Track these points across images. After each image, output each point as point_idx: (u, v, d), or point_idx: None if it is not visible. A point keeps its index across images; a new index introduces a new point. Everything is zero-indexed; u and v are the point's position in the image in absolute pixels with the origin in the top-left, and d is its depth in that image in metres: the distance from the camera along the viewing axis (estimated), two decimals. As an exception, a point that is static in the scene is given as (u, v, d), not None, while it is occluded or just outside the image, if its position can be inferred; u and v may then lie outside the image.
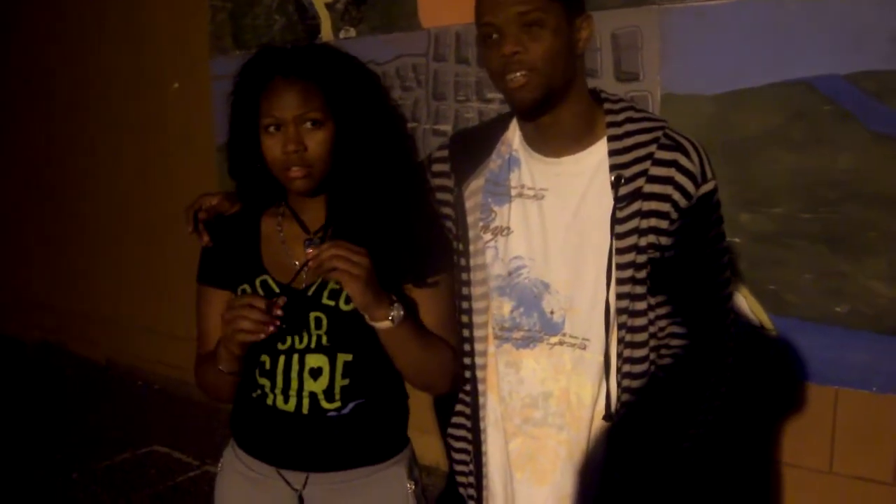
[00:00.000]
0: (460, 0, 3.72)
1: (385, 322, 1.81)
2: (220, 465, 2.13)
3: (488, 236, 1.97)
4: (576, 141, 1.89)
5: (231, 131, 1.96)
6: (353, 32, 4.35)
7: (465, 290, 2.01)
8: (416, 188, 2.04)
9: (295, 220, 2.00)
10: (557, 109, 1.84)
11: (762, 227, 3.20)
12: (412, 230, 1.94)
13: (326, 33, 4.47)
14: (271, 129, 1.85)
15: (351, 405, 1.95)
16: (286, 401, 1.94)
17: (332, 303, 1.91)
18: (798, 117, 3.10)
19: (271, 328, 1.77)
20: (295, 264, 1.95)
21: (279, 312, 1.78)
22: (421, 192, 2.07)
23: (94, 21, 6.19)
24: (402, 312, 1.83)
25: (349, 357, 1.93)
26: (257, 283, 1.95)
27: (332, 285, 1.91)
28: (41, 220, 7.06)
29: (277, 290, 1.92)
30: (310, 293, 1.92)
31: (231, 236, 2.03)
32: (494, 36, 1.79)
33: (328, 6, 4.43)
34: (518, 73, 1.77)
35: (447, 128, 4.00)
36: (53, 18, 6.56)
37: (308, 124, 1.84)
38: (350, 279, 1.74)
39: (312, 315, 1.91)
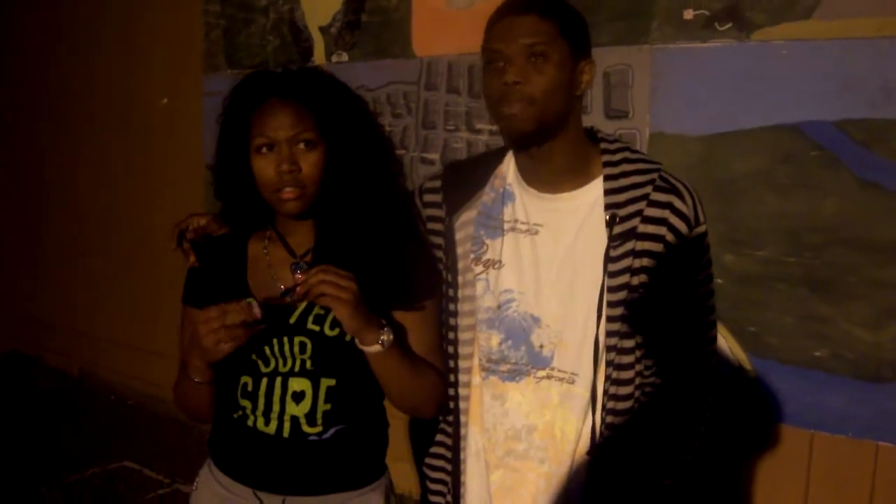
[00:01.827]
0: (454, 30, 3.76)
1: (375, 346, 1.81)
2: (195, 483, 2.11)
3: (479, 268, 1.98)
4: (570, 178, 1.91)
5: (219, 152, 1.95)
6: (345, 57, 4.37)
7: (451, 321, 2.02)
8: (404, 213, 2.06)
9: (281, 243, 1.99)
10: (550, 145, 1.87)
11: (745, 269, 3.21)
12: (401, 255, 1.95)
13: (319, 56, 4.48)
14: (264, 149, 1.85)
15: (332, 430, 1.94)
16: (267, 423, 1.93)
17: (316, 328, 1.91)
18: (785, 161, 3.12)
19: (243, 338, 1.77)
20: (280, 288, 1.94)
21: (258, 316, 1.76)
22: (410, 218, 2.08)
23: (86, 35, 6.18)
24: (391, 336, 1.83)
25: (332, 382, 1.93)
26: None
27: (317, 310, 1.90)
28: (20, 229, 7.02)
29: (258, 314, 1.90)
30: (293, 320, 1.92)
31: (218, 258, 2.02)
32: (500, 63, 1.82)
33: (322, 29, 4.44)
34: (516, 104, 1.80)
35: (435, 156, 4.02)
36: (45, 32, 6.55)
37: (301, 145, 1.85)
38: (339, 304, 1.74)
39: (297, 339, 1.91)
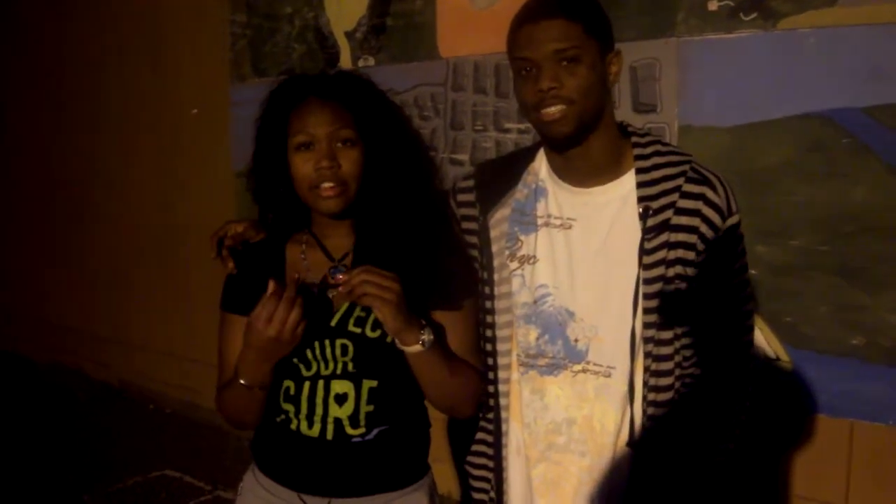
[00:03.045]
0: (479, 31, 3.77)
1: (415, 346, 1.83)
2: (240, 488, 2.12)
3: (514, 265, 1.99)
4: (603, 172, 1.92)
5: (257, 154, 1.97)
6: (371, 61, 4.39)
7: (488, 318, 2.03)
8: (441, 214, 2.07)
9: (318, 247, 2.01)
10: (588, 141, 1.88)
11: (779, 259, 3.20)
12: (439, 255, 1.96)
13: (345, 62, 4.50)
14: (303, 147, 1.87)
15: (375, 431, 1.95)
16: (310, 426, 1.95)
17: (358, 330, 1.92)
18: (816, 150, 3.10)
19: (301, 329, 1.80)
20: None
21: (298, 306, 1.79)
22: (445, 218, 2.10)
23: (114, 45, 6.25)
24: (432, 336, 1.85)
25: (374, 383, 1.94)
26: None
27: (358, 312, 1.92)
28: (58, 241, 7.10)
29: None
30: (334, 322, 1.93)
31: (256, 264, 2.03)
32: (532, 70, 1.83)
33: (348, 35, 4.47)
34: (554, 108, 1.81)
35: (465, 157, 4.03)
36: (74, 42, 6.62)
37: (341, 143, 1.87)
38: (382, 304, 1.76)
39: (339, 342, 1.92)
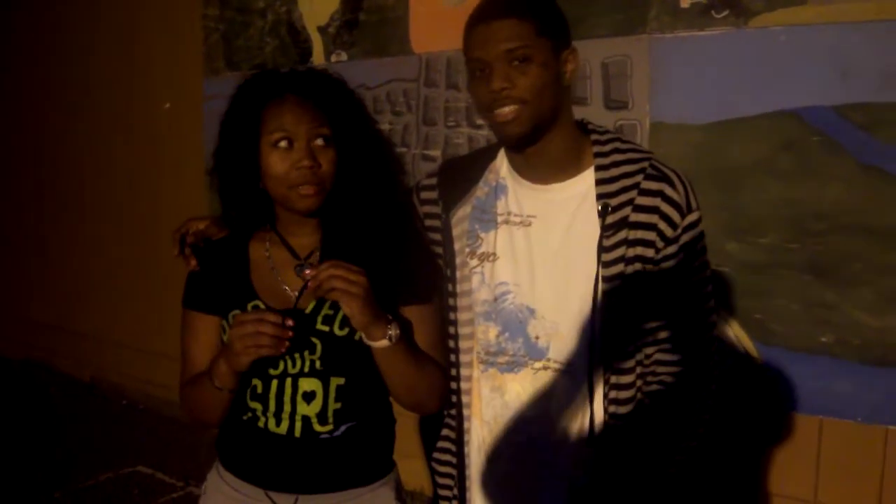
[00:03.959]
0: (451, 26, 3.73)
1: (382, 341, 1.82)
2: (203, 487, 2.11)
3: (475, 262, 1.99)
4: (563, 169, 1.92)
5: (224, 148, 1.93)
6: (344, 56, 4.37)
7: (451, 316, 2.03)
8: (407, 211, 2.07)
9: (283, 245, 1.99)
10: (545, 139, 1.87)
11: (750, 257, 3.21)
12: (405, 252, 1.96)
13: (318, 56, 4.49)
14: (282, 143, 1.84)
15: (343, 428, 1.95)
16: (278, 424, 1.94)
17: (326, 328, 1.91)
18: (787, 148, 3.11)
19: (287, 343, 1.79)
20: (285, 289, 1.95)
21: (291, 324, 1.78)
22: (412, 215, 2.10)
23: (87, 40, 6.21)
24: (398, 332, 1.84)
25: (342, 381, 1.93)
26: (249, 308, 1.93)
27: (325, 310, 1.91)
28: (28, 235, 7.04)
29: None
30: (308, 311, 1.92)
31: (219, 261, 2.02)
32: (485, 70, 1.82)
33: (320, 29, 4.45)
34: (507, 108, 1.81)
35: (437, 153, 4.02)
36: (46, 38, 6.57)
37: (319, 141, 1.86)
38: (349, 298, 1.75)
39: (307, 339, 1.91)
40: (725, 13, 3.19)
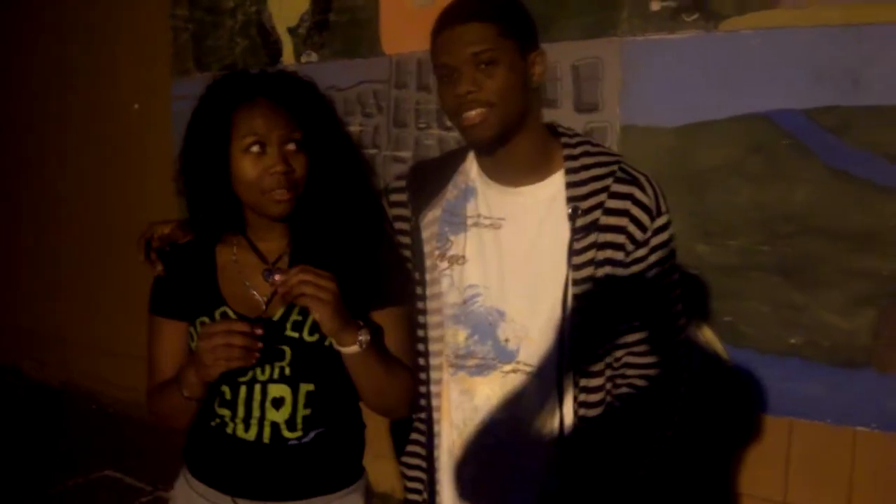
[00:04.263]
0: (422, 27, 3.71)
1: (352, 347, 1.81)
2: (171, 494, 2.09)
3: (444, 265, 1.99)
4: (532, 172, 1.91)
5: (192, 151, 1.89)
6: (314, 57, 4.36)
7: (420, 319, 2.02)
8: (377, 215, 2.06)
9: (251, 249, 1.97)
10: (513, 142, 1.87)
11: (719, 259, 3.22)
12: (375, 256, 1.95)
13: (288, 57, 4.47)
14: (254, 148, 1.81)
15: (312, 434, 1.93)
16: (247, 430, 1.92)
17: (295, 334, 1.89)
18: (757, 151, 3.13)
19: (257, 354, 1.77)
20: (253, 294, 1.93)
21: (260, 333, 1.76)
22: (381, 219, 2.08)
23: (54, 39, 6.15)
24: (368, 337, 1.82)
25: (311, 387, 1.92)
26: (217, 314, 1.92)
27: (294, 316, 1.89)
28: (-2, 238, 6.98)
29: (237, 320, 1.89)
30: (276, 318, 1.91)
31: (185, 266, 1.99)
32: (452, 75, 1.82)
33: (290, 30, 4.43)
34: (474, 111, 1.81)
35: (407, 154, 4.01)
36: (11, 38, 6.50)
37: (291, 146, 1.83)
38: (319, 304, 1.73)
39: (275, 346, 1.89)
40: (696, 16, 3.21)
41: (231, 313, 1.91)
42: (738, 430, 3.32)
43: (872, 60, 2.93)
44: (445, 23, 1.83)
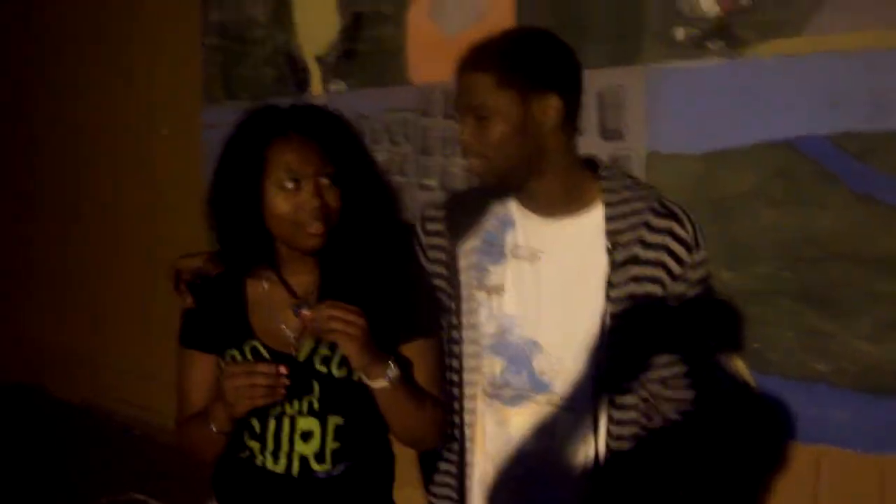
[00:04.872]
0: (449, 57, 3.75)
1: (382, 381, 1.83)
2: (199, 524, 2.12)
3: (482, 295, 1.99)
4: (568, 205, 1.92)
5: (227, 188, 1.89)
6: (342, 86, 4.39)
7: (455, 348, 2.03)
8: (405, 247, 2.08)
9: (281, 283, 1.97)
10: (536, 180, 1.89)
11: (745, 285, 3.21)
12: (404, 289, 1.96)
13: (316, 86, 4.51)
14: (289, 184, 1.82)
15: (341, 466, 1.95)
16: (276, 462, 1.93)
17: (324, 369, 1.91)
18: (781, 177, 3.12)
19: (281, 391, 1.78)
20: (282, 328, 1.94)
21: (285, 378, 1.78)
22: (410, 251, 2.10)
23: (88, 64, 6.21)
24: (398, 371, 1.84)
25: (340, 420, 1.93)
26: (247, 349, 1.93)
27: (323, 351, 1.90)
28: (23, 259, 7.03)
29: (267, 356, 1.91)
30: (302, 358, 1.92)
31: (215, 299, 2.00)
32: (460, 119, 1.86)
33: (319, 59, 4.47)
34: (473, 160, 1.85)
35: (434, 182, 4.03)
36: (49, 59, 6.58)
37: (325, 180, 1.84)
38: (348, 340, 1.75)
39: (304, 381, 1.91)
40: (720, 44, 3.21)
41: (261, 347, 1.93)
42: (765, 458, 3.30)
43: (895, 86, 2.92)
44: (457, 69, 1.87)
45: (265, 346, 1.93)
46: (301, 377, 1.89)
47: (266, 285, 1.99)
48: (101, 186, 6.22)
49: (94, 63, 6.18)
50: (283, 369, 1.78)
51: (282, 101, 1.98)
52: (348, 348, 1.77)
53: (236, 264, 2.00)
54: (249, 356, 1.93)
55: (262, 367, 1.78)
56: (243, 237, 1.92)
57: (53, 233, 6.69)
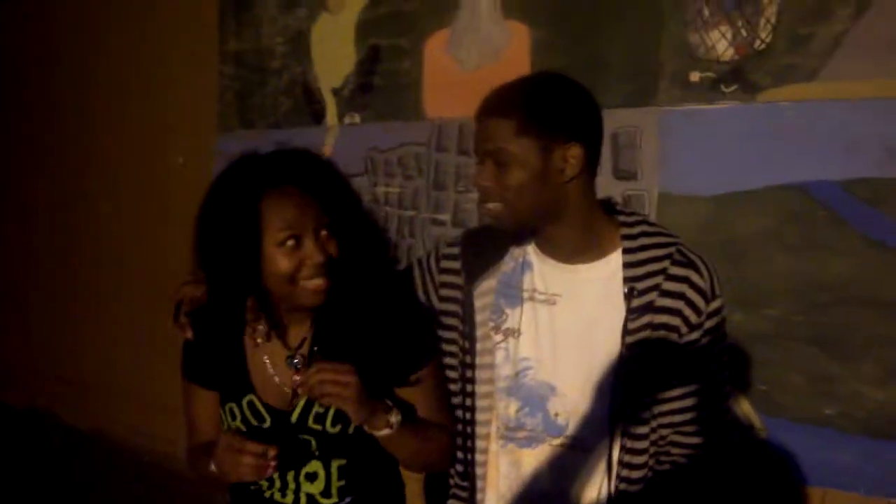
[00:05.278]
0: (465, 93, 3.78)
1: (385, 430, 1.82)
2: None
3: (499, 337, 2.00)
4: (586, 251, 1.93)
5: (218, 247, 1.81)
6: (357, 119, 4.42)
7: (468, 388, 2.03)
8: (397, 293, 2.04)
9: (276, 336, 1.95)
10: (553, 227, 1.90)
11: (755, 327, 3.22)
12: (397, 333, 1.93)
13: (331, 118, 4.53)
14: (290, 242, 1.77)
15: (347, 500, 1.97)
16: (284, 496, 1.96)
17: (318, 427, 1.91)
18: (792, 221, 3.14)
19: (270, 470, 1.76)
20: (275, 380, 1.93)
21: (272, 454, 1.75)
22: (402, 292, 2.08)
23: (106, 93, 6.24)
24: (400, 417, 1.83)
25: (343, 462, 1.95)
26: (244, 403, 1.94)
27: (316, 408, 1.89)
28: (33, 282, 7.04)
29: (264, 413, 1.91)
30: (294, 419, 1.91)
31: (215, 337, 1.99)
32: (479, 164, 1.87)
33: (335, 91, 4.50)
34: (490, 204, 1.85)
35: (446, 217, 4.05)
36: (60, 83, 6.62)
37: (324, 232, 1.81)
38: (342, 401, 1.74)
39: (301, 437, 1.92)
40: (734, 88, 3.24)
41: (258, 403, 1.93)
42: (771, 500, 3.30)
43: (906, 133, 2.96)
44: (477, 113, 1.86)
45: (262, 403, 1.93)
46: (296, 436, 1.90)
47: (260, 339, 1.97)
48: (115, 212, 6.23)
49: (108, 89, 6.20)
50: (271, 451, 1.75)
51: (265, 149, 1.90)
52: (345, 408, 1.76)
53: (231, 318, 1.96)
54: (247, 411, 1.93)
55: (251, 447, 1.74)
56: (240, 295, 1.88)
57: (66, 261, 6.69)
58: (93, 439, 6.40)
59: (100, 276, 6.40)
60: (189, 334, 2.01)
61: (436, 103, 4.10)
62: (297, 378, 1.79)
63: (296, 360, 1.90)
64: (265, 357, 1.96)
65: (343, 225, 1.85)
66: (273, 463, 1.75)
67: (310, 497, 1.95)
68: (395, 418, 1.83)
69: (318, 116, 4.56)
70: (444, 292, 2.10)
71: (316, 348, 1.93)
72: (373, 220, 2.05)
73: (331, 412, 1.88)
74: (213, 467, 1.86)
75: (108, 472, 5.85)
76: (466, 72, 3.93)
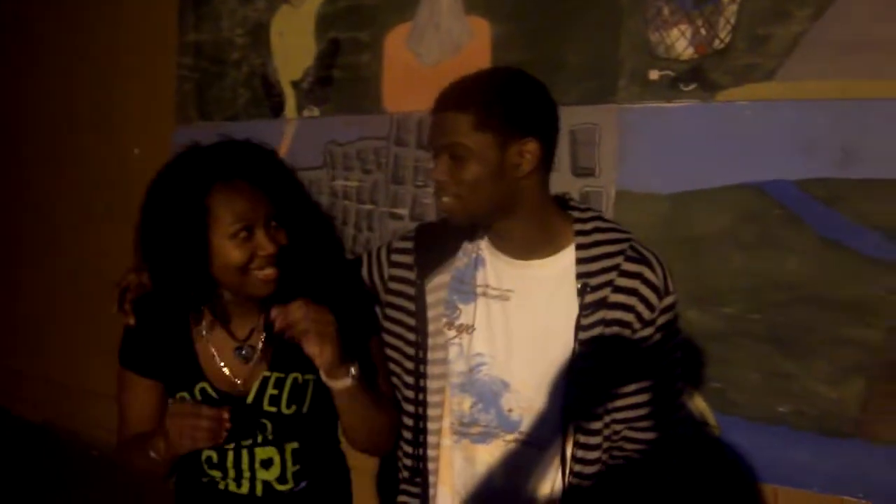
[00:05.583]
0: (424, 87, 3.76)
1: (346, 379, 1.81)
2: (163, 545, 2.11)
3: (452, 333, 1.99)
4: (539, 247, 1.92)
5: (163, 238, 1.81)
6: (316, 112, 4.39)
7: (420, 383, 2.01)
8: (345, 275, 2.07)
9: (220, 325, 1.95)
10: (506, 222, 1.89)
11: (710, 325, 3.24)
12: (343, 312, 1.91)
13: (290, 110, 4.50)
14: (242, 233, 1.77)
15: (302, 484, 1.98)
16: (239, 486, 1.95)
17: (273, 409, 1.91)
18: (749, 220, 3.16)
19: (223, 434, 1.77)
20: (224, 371, 1.93)
21: (226, 417, 1.77)
22: (347, 270, 2.10)
23: (61, 82, 6.17)
24: (358, 369, 1.83)
25: (296, 445, 1.96)
26: (196, 391, 1.93)
27: (270, 391, 1.90)
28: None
29: (216, 397, 1.90)
30: (249, 400, 1.91)
31: (160, 325, 1.97)
32: (434, 158, 1.86)
33: (294, 84, 4.47)
34: (445, 199, 1.84)
35: (404, 211, 4.04)
36: (18, 77, 6.54)
37: (273, 223, 1.82)
38: (321, 339, 1.74)
39: (256, 420, 1.92)
40: (693, 87, 3.26)
41: (210, 389, 1.92)
42: (724, 497, 3.32)
43: (863, 134, 2.97)
44: (434, 106, 1.85)
45: (214, 389, 1.92)
46: (251, 418, 1.89)
47: (205, 328, 1.96)
48: (72, 204, 6.16)
49: (63, 77, 6.13)
50: (225, 414, 1.77)
51: (208, 141, 1.90)
52: (321, 347, 1.75)
53: (177, 308, 1.95)
54: (199, 398, 1.92)
55: (206, 411, 1.76)
56: (186, 286, 1.86)
57: (15, 253, 6.61)
58: (40, 431, 6.33)
59: (50, 263, 6.34)
60: (131, 321, 1.99)
61: (395, 97, 4.08)
62: (275, 311, 1.76)
63: (244, 352, 1.88)
64: (212, 348, 1.95)
65: (290, 214, 1.86)
66: (227, 426, 1.77)
67: (266, 484, 1.95)
68: (355, 369, 1.82)
69: (277, 109, 4.54)
70: (393, 286, 2.09)
71: (263, 336, 1.94)
72: (318, 208, 2.02)
73: (284, 394, 1.90)
74: (152, 453, 1.85)
75: (57, 464, 5.80)
76: (426, 66, 3.92)
